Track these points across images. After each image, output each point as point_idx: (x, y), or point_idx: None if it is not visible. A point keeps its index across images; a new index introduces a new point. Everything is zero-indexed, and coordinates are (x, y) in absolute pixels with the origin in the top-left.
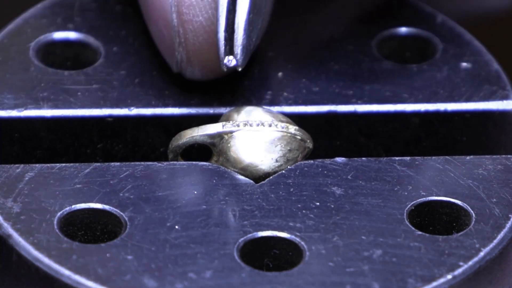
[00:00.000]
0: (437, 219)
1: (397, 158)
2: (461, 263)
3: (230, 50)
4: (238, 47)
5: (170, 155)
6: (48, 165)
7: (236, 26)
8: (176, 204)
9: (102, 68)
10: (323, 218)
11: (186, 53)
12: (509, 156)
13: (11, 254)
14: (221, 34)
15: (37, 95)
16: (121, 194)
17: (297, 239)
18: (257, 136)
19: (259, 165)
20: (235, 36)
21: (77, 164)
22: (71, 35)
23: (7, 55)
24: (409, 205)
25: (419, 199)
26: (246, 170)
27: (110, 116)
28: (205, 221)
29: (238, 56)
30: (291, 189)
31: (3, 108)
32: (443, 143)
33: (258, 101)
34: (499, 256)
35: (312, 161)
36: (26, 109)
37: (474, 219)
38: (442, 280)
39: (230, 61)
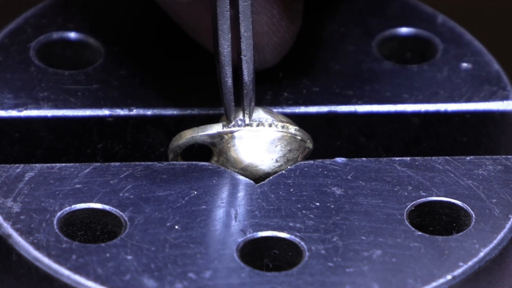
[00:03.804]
0: (437, 220)
1: (397, 158)
2: (460, 264)
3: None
4: (247, 107)
5: (170, 155)
6: (48, 165)
7: (245, 87)
8: (176, 204)
9: (102, 68)
10: (323, 218)
11: None
12: (509, 156)
13: (11, 254)
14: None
15: (37, 95)
16: (121, 194)
17: (297, 239)
18: (257, 136)
19: (259, 165)
20: (245, 98)
21: (77, 164)
22: (71, 35)
23: (7, 55)
24: (409, 206)
25: (419, 200)
26: (246, 170)
27: (110, 116)
28: (205, 221)
29: (248, 115)
30: (291, 189)
31: (3, 108)
32: (443, 144)
33: (258, 101)
34: (499, 257)
35: (312, 161)
36: (26, 109)
37: (474, 220)
38: (441, 281)
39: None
